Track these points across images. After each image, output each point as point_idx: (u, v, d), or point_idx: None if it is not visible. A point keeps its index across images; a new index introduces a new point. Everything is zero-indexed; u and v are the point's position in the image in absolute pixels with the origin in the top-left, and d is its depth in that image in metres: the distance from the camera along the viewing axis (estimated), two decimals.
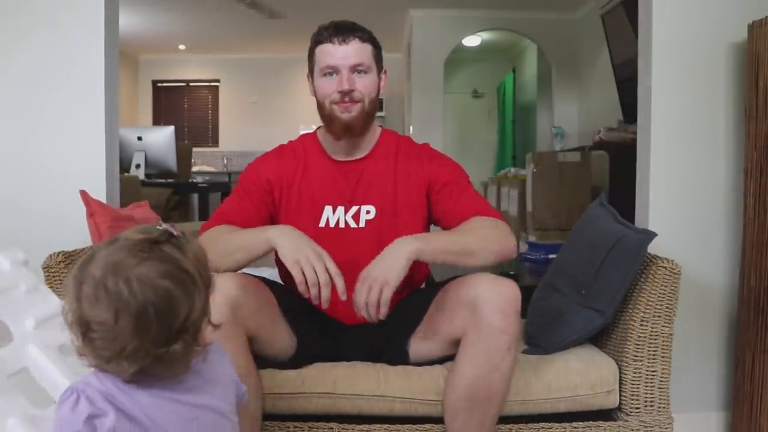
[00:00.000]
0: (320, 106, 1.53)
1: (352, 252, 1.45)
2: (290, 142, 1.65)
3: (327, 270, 1.26)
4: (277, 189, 1.56)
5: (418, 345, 1.48)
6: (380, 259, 1.32)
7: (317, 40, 1.51)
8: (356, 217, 1.53)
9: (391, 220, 1.53)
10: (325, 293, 1.25)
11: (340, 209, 1.53)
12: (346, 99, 1.48)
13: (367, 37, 1.51)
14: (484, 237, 1.41)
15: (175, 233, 0.85)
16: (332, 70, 1.48)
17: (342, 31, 1.48)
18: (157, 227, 0.85)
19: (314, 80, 1.53)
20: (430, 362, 1.50)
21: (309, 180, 1.56)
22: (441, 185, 1.54)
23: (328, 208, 1.54)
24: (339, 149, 1.56)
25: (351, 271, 1.30)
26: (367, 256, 1.34)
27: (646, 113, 1.95)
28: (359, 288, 1.29)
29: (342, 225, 1.53)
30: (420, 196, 1.55)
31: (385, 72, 1.57)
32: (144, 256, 0.80)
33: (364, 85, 1.49)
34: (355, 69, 1.48)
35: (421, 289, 1.61)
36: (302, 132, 1.69)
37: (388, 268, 1.29)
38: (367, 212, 1.54)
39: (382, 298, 1.27)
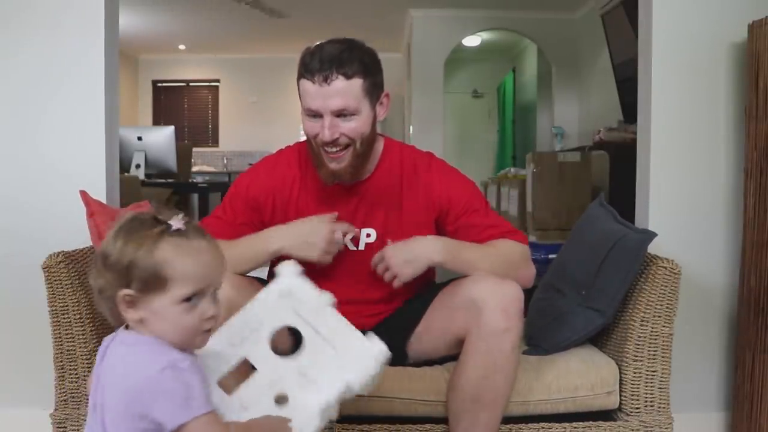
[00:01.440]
0: (308, 142, 1.42)
1: (350, 274, 1.45)
2: (285, 151, 1.54)
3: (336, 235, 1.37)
4: (268, 208, 1.47)
5: (418, 345, 1.48)
6: (404, 249, 1.35)
7: (300, 71, 1.36)
8: (356, 240, 1.47)
9: (391, 238, 1.43)
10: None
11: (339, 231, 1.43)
12: (333, 149, 1.36)
13: (355, 70, 1.32)
14: (510, 264, 1.41)
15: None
16: (314, 114, 1.35)
17: (325, 66, 1.31)
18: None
19: (302, 112, 1.40)
20: (430, 363, 1.50)
21: (306, 199, 1.47)
22: (460, 212, 1.45)
23: None
24: None
25: (349, 292, 1.31)
26: (367, 279, 1.35)
27: (646, 113, 1.95)
28: (375, 262, 1.38)
29: (350, 247, 1.47)
30: (428, 215, 1.47)
31: (387, 95, 1.43)
32: None
33: (350, 128, 1.35)
34: (340, 114, 1.34)
35: (421, 291, 1.60)
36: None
37: (406, 263, 1.33)
38: (368, 235, 1.47)
39: (393, 283, 1.36)
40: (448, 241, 1.41)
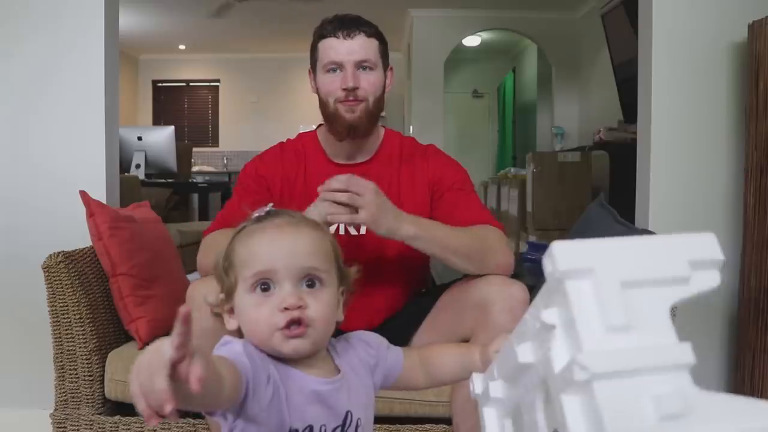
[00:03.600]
0: (323, 104, 1.47)
1: (353, 259, 1.45)
2: (290, 141, 1.59)
3: None
4: (277, 189, 1.51)
5: (423, 344, 1.48)
6: (385, 200, 1.25)
7: (321, 34, 1.44)
8: (356, 225, 1.46)
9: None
10: None
11: None
12: (350, 97, 1.41)
13: (373, 31, 1.44)
14: (484, 248, 1.35)
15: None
16: (336, 66, 1.41)
17: (347, 25, 1.41)
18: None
19: (317, 76, 1.47)
20: None
21: (309, 185, 1.50)
22: (446, 187, 1.49)
23: None
24: (341, 152, 1.51)
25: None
26: (370, 264, 1.33)
27: (646, 113, 1.95)
28: (351, 184, 1.23)
29: (342, 232, 1.47)
30: (423, 195, 1.50)
31: (392, 69, 1.51)
32: None
33: (369, 82, 1.42)
34: (360, 65, 1.41)
35: (422, 291, 1.60)
36: (302, 131, 1.62)
37: (378, 207, 1.23)
38: None
39: (349, 219, 1.24)
40: (422, 219, 1.36)
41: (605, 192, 1.85)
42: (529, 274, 2.69)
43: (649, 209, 1.92)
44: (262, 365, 0.76)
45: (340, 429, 0.82)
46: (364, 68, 1.42)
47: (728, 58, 1.91)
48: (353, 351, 0.89)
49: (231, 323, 0.83)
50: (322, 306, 0.80)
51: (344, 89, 1.41)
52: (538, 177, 3.96)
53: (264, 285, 0.78)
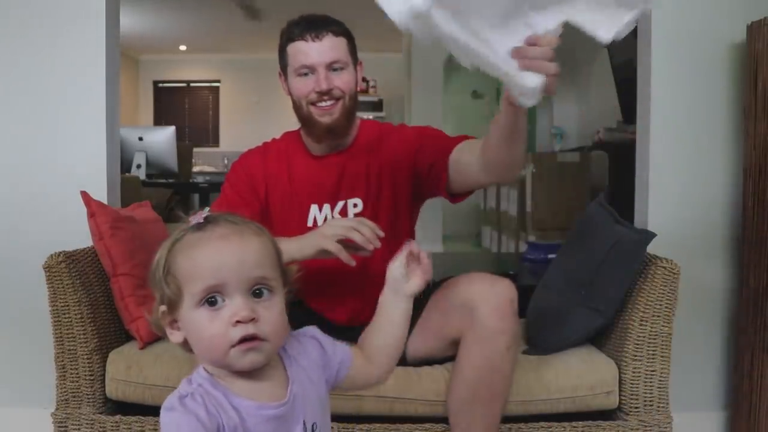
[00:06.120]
0: (297, 107, 1.48)
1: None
2: (274, 140, 1.61)
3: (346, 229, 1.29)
4: (262, 187, 1.53)
5: (415, 346, 1.48)
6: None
7: (289, 36, 1.45)
8: (344, 212, 1.50)
9: (375, 207, 1.49)
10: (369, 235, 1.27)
11: (326, 207, 1.50)
12: (326, 98, 1.43)
13: (341, 29, 1.45)
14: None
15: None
16: (308, 70, 1.42)
17: (314, 26, 1.42)
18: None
19: (288, 79, 1.48)
20: (430, 362, 1.50)
21: (293, 181, 1.52)
22: (424, 138, 1.51)
23: (314, 207, 1.51)
24: (318, 146, 1.53)
25: (343, 267, 1.29)
26: (357, 263, 1.34)
27: (645, 113, 1.95)
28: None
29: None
30: (405, 170, 1.50)
31: (360, 63, 1.51)
32: None
33: (343, 81, 1.43)
34: (332, 66, 1.42)
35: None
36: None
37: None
38: (355, 205, 1.50)
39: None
40: None
41: (604, 192, 1.86)
42: (529, 273, 2.69)
43: (648, 209, 1.92)
44: (212, 425, 0.74)
45: None
46: (336, 69, 1.43)
47: (727, 59, 1.91)
48: (304, 353, 0.88)
49: (175, 336, 0.80)
50: (274, 316, 0.78)
51: (318, 92, 1.42)
52: (537, 177, 3.96)
53: (212, 299, 0.76)
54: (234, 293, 0.76)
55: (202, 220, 0.80)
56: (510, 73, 0.92)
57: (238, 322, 0.75)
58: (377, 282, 1.40)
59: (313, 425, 0.84)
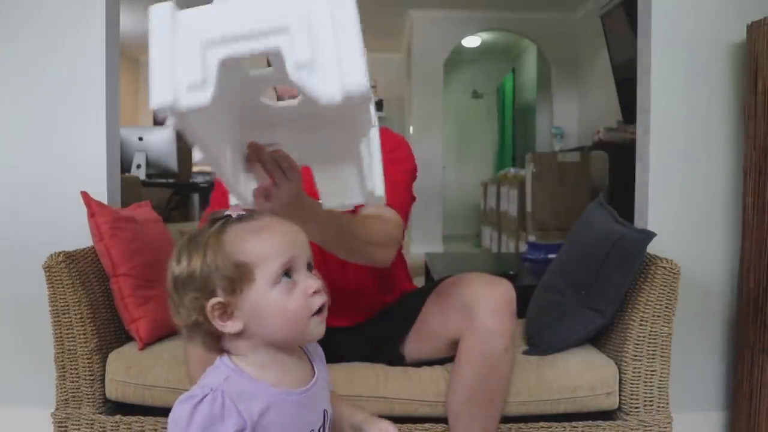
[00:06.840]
0: None
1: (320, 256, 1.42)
2: None
3: None
4: None
5: (414, 346, 1.48)
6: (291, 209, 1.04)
7: None
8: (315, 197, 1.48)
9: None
10: None
11: None
12: None
13: None
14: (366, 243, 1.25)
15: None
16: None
17: None
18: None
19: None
20: (429, 363, 1.50)
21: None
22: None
23: None
24: None
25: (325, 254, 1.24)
26: (334, 265, 1.32)
27: (645, 113, 1.95)
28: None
29: None
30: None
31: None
32: None
33: None
34: None
35: (413, 291, 1.61)
36: None
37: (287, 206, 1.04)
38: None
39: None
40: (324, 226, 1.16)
41: (604, 192, 1.86)
42: (529, 273, 2.69)
43: (648, 209, 1.92)
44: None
45: (322, 428, 0.88)
46: None
47: (727, 59, 1.91)
48: (315, 349, 0.95)
49: (233, 325, 0.81)
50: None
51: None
52: (537, 177, 3.97)
53: (287, 274, 0.81)
54: (301, 268, 0.82)
55: (243, 212, 0.85)
56: (230, 181, 0.90)
57: (314, 292, 0.82)
58: (342, 286, 1.37)
59: (324, 411, 0.90)
